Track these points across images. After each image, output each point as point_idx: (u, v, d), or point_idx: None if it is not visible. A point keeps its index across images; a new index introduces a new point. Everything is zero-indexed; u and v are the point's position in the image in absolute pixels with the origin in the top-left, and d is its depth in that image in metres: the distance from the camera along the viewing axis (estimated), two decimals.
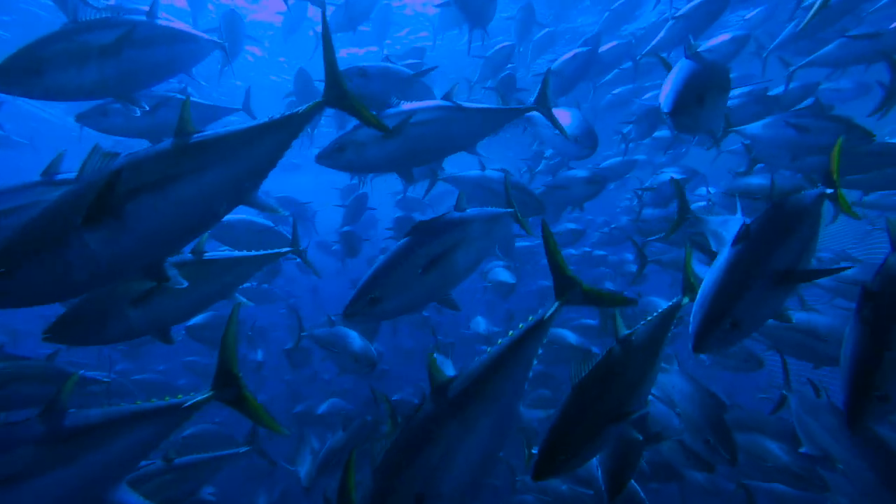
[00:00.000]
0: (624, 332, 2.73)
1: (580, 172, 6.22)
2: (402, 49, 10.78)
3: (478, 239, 3.34)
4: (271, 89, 12.82)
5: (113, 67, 3.45)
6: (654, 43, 7.00)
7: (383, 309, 3.04)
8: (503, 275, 7.25)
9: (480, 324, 7.99)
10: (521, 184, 5.50)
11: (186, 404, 2.41)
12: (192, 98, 4.04)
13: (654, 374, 2.73)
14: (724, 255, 2.65)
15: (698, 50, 3.64)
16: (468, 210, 3.47)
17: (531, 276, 10.90)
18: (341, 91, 2.63)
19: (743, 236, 2.65)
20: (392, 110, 3.53)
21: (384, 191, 8.71)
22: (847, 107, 6.65)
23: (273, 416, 2.46)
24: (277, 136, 2.61)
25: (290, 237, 5.57)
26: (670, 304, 2.90)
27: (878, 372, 2.28)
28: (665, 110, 3.29)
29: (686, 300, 2.91)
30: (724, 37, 6.78)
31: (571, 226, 8.83)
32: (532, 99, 4.02)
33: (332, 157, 3.52)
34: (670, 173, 7.47)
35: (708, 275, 2.62)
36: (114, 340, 2.89)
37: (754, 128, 4.59)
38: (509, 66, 7.71)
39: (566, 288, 2.50)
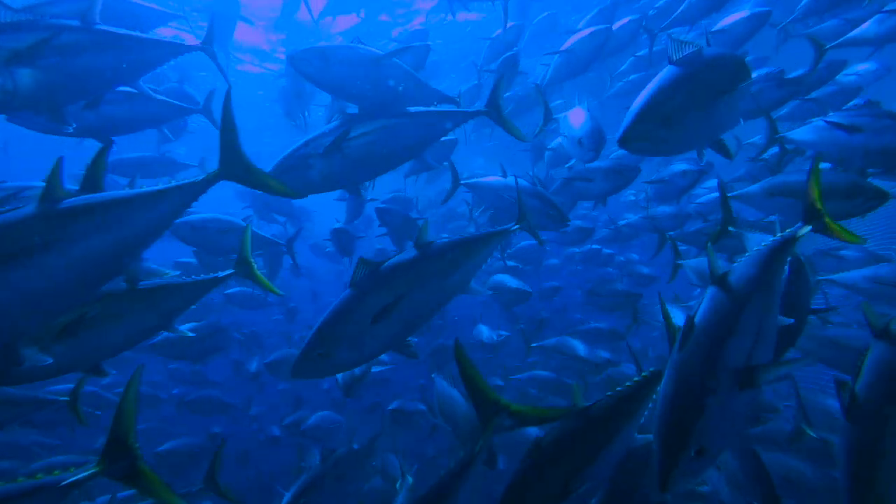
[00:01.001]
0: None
1: (604, 163, 5.70)
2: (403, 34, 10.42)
3: (439, 278, 3.01)
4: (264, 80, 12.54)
5: (28, 77, 3.07)
6: (674, 16, 6.55)
7: (333, 364, 2.84)
8: (511, 282, 6.83)
9: (483, 332, 7.57)
10: (544, 193, 5.00)
11: (63, 482, 2.14)
12: (147, 90, 3.73)
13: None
14: (671, 361, 2.21)
15: (710, 32, 3.21)
16: (434, 242, 3.09)
17: (532, 277, 10.53)
18: (239, 162, 2.51)
19: (687, 333, 2.18)
20: (330, 125, 3.38)
21: (383, 189, 8.38)
22: (871, 91, 6.30)
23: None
24: (163, 207, 2.45)
25: (265, 237, 5.16)
26: (644, 375, 2.55)
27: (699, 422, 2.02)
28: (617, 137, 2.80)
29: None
30: (740, 14, 6.24)
31: (579, 223, 8.46)
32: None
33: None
34: (682, 166, 7.09)
35: (660, 391, 2.20)
36: (37, 379, 2.63)
37: (803, 133, 4.14)
38: (515, 49, 7.32)
39: (491, 416, 2.28)
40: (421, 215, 7.63)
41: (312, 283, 12.63)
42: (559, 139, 7.14)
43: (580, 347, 5.83)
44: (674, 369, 2.16)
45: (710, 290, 2.31)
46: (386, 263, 2.95)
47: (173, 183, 2.49)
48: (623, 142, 2.67)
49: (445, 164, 7.58)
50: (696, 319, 2.21)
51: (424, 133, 3.60)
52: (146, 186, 2.49)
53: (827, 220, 2.38)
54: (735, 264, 2.40)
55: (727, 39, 6.32)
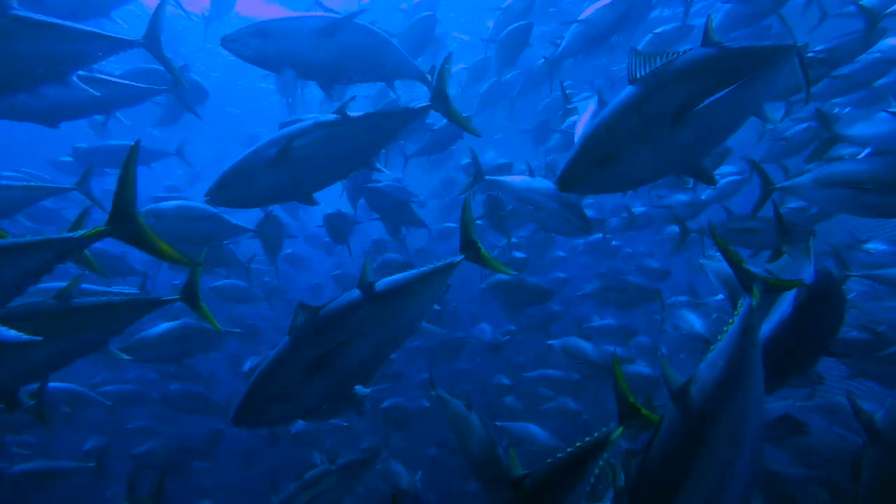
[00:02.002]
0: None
1: None
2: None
3: (381, 323, 2.74)
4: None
5: None
6: None
7: (271, 419, 2.71)
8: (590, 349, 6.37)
9: (486, 331, 7.17)
10: (570, 199, 4.48)
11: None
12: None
13: None
14: None
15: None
16: (377, 282, 2.83)
17: (536, 269, 10.12)
18: (131, 222, 2.35)
19: (636, 484, 1.79)
20: (273, 136, 3.21)
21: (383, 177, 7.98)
22: None
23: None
24: (26, 263, 2.23)
25: (236, 225, 4.82)
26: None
27: None
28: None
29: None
30: None
31: (589, 213, 8.02)
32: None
33: (217, 194, 3.23)
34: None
35: None
36: None
37: (866, 128, 3.76)
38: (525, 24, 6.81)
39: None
40: (421, 204, 7.19)
41: (310, 275, 12.27)
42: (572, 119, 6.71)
43: (589, 349, 5.42)
44: None
45: (667, 414, 1.87)
46: (326, 307, 2.73)
47: (42, 237, 2.25)
48: (563, 186, 2.37)
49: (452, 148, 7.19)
50: (646, 459, 1.77)
51: (370, 137, 3.37)
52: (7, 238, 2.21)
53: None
54: (701, 365, 1.94)
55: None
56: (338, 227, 6.19)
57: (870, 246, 6.36)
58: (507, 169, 6.47)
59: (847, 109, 6.42)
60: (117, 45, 3.39)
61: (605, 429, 2.19)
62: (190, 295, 2.90)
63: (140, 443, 6.34)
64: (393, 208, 5.92)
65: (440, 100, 3.33)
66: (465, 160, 9.24)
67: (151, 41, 3.54)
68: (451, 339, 7.69)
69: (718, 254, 4.82)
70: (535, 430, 4.98)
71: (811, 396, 5.02)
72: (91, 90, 3.52)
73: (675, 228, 9.37)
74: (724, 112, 2.43)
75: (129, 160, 2.30)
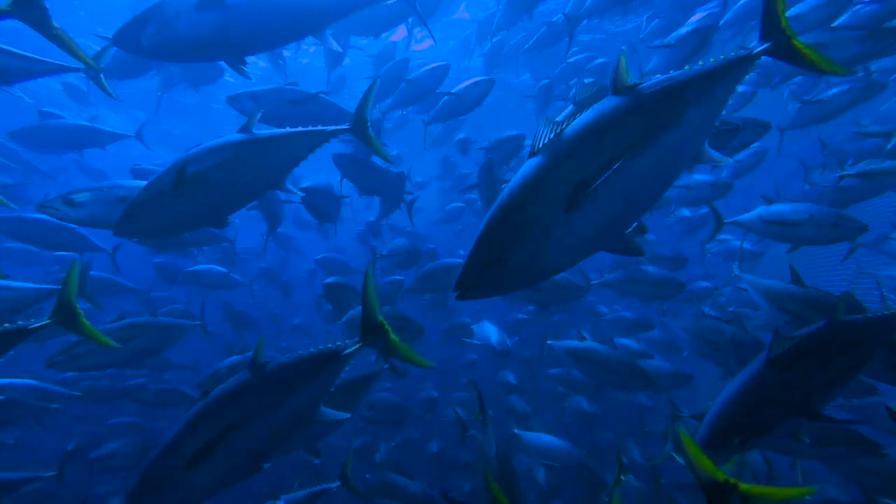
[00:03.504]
0: None
1: None
2: None
3: (270, 409, 2.53)
4: None
5: None
6: None
7: None
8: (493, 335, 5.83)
9: (492, 334, 6.55)
10: None
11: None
12: None
13: None
14: None
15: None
16: (270, 362, 2.60)
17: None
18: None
19: None
20: (176, 160, 3.02)
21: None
22: None
23: None
24: None
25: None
26: None
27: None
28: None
29: None
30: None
31: None
32: None
33: (123, 227, 3.07)
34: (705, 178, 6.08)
35: None
36: None
37: None
38: None
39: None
40: (414, 191, 6.64)
41: (300, 258, 11.75)
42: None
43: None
44: None
45: None
46: (215, 391, 2.51)
47: None
48: (460, 295, 2.05)
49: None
50: None
51: (280, 158, 3.20)
52: None
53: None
54: None
55: None
56: (319, 204, 5.53)
57: None
58: (517, 141, 5.91)
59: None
60: (58, 70, 3.49)
61: None
62: (64, 314, 2.46)
63: (107, 443, 5.87)
64: (369, 179, 5.57)
65: (359, 124, 3.25)
66: (461, 135, 8.77)
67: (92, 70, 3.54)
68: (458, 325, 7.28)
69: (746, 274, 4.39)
70: (554, 441, 4.42)
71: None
72: None
73: (685, 212, 8.89)
74: (636, 181, 1.97)
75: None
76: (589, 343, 4.52)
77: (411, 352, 2.56)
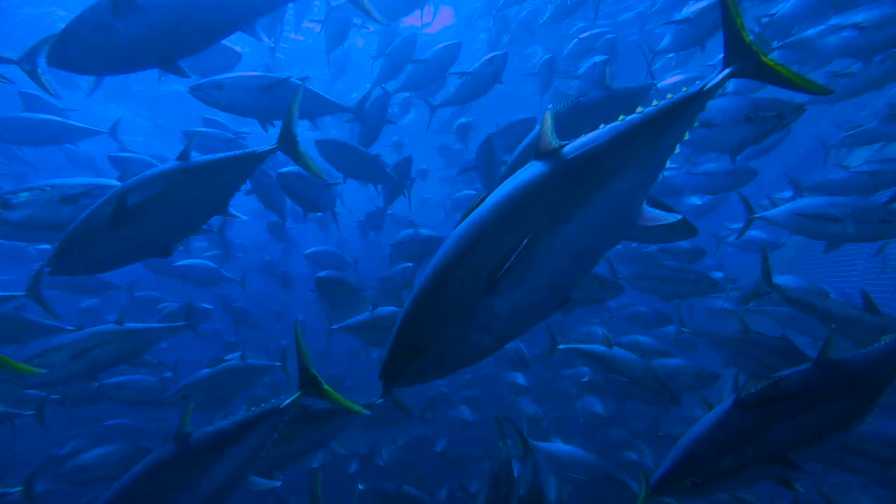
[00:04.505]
0: None
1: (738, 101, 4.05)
2: None
3: (194, 479, 2.49)
4: None
5: None
6: None
7: None
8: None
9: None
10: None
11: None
12: None
13: None
14: None
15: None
16: (194, 432, 2.60)
17: None
18: None
19: None
20: (112, 191, 2.94)
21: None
22: None
23: None
24: None
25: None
26: None
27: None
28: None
29: None
30: None
31: None
32: None
33: (57, 264, 3.00)
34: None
35: None
36: None
37: None
38: None
39: None
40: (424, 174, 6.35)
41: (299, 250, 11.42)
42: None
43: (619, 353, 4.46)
44: None
45: None
46: (136, 467, 2.49)
47: None
48: (386, 385, 1.89)
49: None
50: None
51: (217, 184, 3.14)
52: None
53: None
54: None
55: None
56: (298, 192, 5.10)
57: None
58: (529, 125, 5.58)
59: None
60: None
61: None
62: None
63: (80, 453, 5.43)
64: (354, 164, 5.31)
65: (287, 140, 3.15)
66: (462, 119, 8.48)
67: (26, 62, 3.40)
68: None
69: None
70: (575, 451, 4.06)
71: None
72: None
73: (695, 200, 8.52)
74: (561, 257, 1.79)
75: None
76: (617, 351, 4.14)
77: (344, 400, 2.71)
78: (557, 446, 4.01)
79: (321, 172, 3.31)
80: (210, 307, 7.68)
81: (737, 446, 2.32)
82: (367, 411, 2.78)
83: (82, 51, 2.98)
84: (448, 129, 9.59)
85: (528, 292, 1.78)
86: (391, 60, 6.87)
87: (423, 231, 6.16)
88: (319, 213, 7.11)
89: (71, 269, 3.03)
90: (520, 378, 5.98)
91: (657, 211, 1.89)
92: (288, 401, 2.72)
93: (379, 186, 6.17)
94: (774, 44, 4.73)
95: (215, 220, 5.68)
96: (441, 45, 6.21)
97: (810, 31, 4.64)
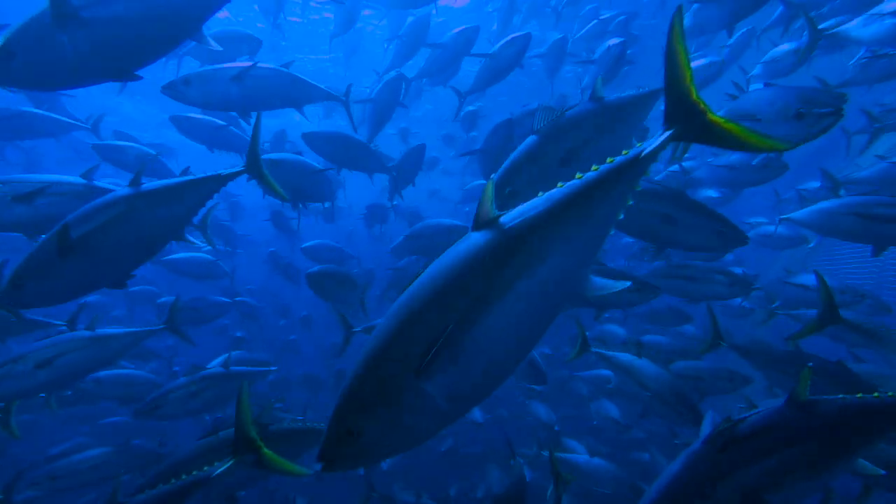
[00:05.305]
0: None
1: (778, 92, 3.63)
2: None
3: None
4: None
5: None
6: None
7: None
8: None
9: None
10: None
11: None
12: None
13: None
14: None
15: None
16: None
17: None
18: None
19: None
20: (65, 219, 2.83)
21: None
22: None
23: None
24: None
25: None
26: None
27: None
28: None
29: None
30: None
31: None
32: None
33: (9, 297, 2.90)
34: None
35: None
36: None
37: None
38: None
39: None
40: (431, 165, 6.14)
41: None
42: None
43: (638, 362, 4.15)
44: None
45: None
46: None
47: None
48: (325, 467, 1.75)
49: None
50: None
51: (175, 210, 3.06)
52: None
53: None
54: None
55: None
56: (292, 182, 4.82)
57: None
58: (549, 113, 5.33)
59: None
60: None
61: None
62: None
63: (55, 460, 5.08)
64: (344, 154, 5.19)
65: (252, 163, 3.12)
66: (469, 108, 8.26)
67: None
68: None
69: None
70: (598, 463, 3.81)
71: None
72: None
73: (710, 192, 8.17)
74: (497, 336, 1.68)
75: None
76: (645, 363, 3.84)
77: (286, 464, 2.51)
78: (578, 457, 3.79)
79: (285, 195, 3.27)
80: (228, 301, 7.37)
81: (705, 489, 2.29)
82: (309, 472, 2.54)
83: (26, 67, 2.81)
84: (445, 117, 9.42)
85: (464, 373, 1.67)
86: (405, 42, 6.67)
87: (443, 221, 5.92)
88: (326, 205, 6.87)
89: (24, 302, 2.92)
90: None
91: (604, 280, 1.81)
92: (219, 471, 2.52)
93: (386, 178, 5.96)
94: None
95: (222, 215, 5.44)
96: (458, 29, 5.97)
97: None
